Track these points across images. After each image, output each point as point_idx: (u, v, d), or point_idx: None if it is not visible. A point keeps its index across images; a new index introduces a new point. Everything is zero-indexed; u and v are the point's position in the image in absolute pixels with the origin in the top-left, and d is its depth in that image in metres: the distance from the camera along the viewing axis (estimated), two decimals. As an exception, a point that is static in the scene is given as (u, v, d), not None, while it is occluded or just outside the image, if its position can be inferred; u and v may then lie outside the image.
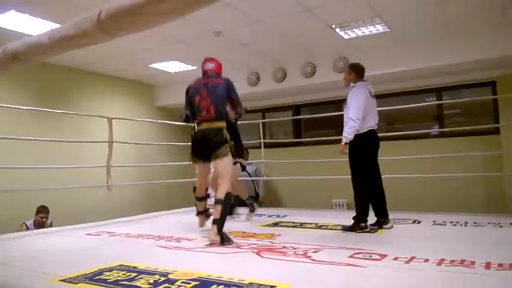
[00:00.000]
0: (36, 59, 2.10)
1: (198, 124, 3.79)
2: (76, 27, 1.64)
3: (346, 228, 3.87)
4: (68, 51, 1.85)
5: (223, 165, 3.61)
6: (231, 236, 3.43)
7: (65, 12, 4.67)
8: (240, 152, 4.70)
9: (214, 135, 3.62)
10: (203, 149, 3.68)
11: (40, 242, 3.81)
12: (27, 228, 5.38)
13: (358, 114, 3.75)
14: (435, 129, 6.61)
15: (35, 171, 5.63)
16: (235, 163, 4.53)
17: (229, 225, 4.13)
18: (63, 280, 2.39)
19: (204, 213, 4.14)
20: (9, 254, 3.25)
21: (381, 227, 3.88)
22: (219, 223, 3.39)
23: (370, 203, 3.91)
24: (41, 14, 4.74)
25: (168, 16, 1.44)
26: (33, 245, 3.69)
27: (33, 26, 5.03)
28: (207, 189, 4.16)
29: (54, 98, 6.59)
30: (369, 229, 3.79)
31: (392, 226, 3.94)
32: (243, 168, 4.86)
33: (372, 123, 3.93)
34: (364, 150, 3.88)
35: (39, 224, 5.54)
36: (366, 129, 3.86)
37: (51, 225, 5.53)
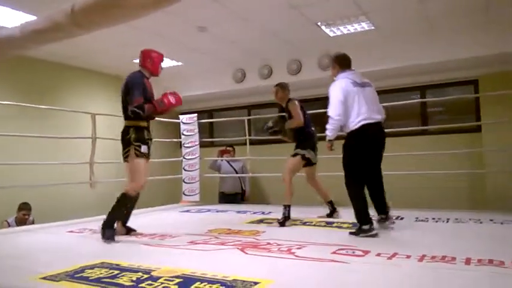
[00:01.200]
0: (8, 53, 2.06)
1: None
2: (49, 21, 1.61)
3: (351, 233, 3.49)
4: (41, 45, 1.82)
5: (129, 166, 3.61)
6: (116, 237, 3.45)
7: (39, 3, 4.57)
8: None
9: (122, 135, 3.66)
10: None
11: (21, 240, 3.76)
12: (9, 226, 5.30)
13: (335, 111, 3.54)
14: (419, 127, 6.68)
15: (17, 167, 5.53)
16: (295, 155, 4.45)
17: (215, 222, 4.14)
18: (44, 278, 2.35)
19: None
20: (-10, 252, 3.20)
21: (383, 224, 3.65)
22: (106, 218, 3.49)
23: (370, 201, 3.64)
24: (16, 5, 4.65)
25: (140, 10, 1.42)
26: (14, 243, 3.63)
27: (9, 18, 4.92)
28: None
29: (37, 93, 6.48)
30: (373, 232, 3.34)
31: (392, 226, 3.68)
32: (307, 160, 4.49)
33: (364, 115, 3.48)
34: (355, 149, 3.54)
35: (21, 221, 5.45)
36: (359, 125, 3.49)
37: (33, 223, 5.45)
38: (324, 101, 7.58)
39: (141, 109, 3.52)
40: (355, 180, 3.54)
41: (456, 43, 5.72)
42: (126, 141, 3.58)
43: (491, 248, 2.85)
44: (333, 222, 4.11)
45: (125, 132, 3.61)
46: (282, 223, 4.03)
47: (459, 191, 6.35)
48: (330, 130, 3.64)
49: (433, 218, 4.22)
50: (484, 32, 5.54)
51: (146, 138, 3.61)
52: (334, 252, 2.78)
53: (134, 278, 2.30)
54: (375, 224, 3.48)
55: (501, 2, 4.83)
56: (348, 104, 3.52)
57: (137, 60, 6.83)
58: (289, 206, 4.14)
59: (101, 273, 2.42)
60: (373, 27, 5.59)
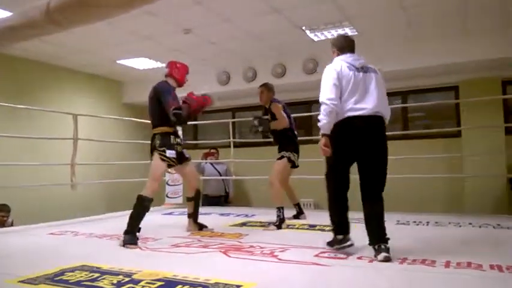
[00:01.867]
0: None
1: None
2: (24, 17, 1.57)
3: (327, 243, 3.03)
4: (16, 42, 1.78)
5: (150, 168, 3.65)
6: (135, 243, 3.29)
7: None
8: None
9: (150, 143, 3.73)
10: None
11: (0, 242, 3.67)
12: (-14, 228, 5.18)
13: (326, 94, 2.83)
14: (400, 132, 6.77)
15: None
16: (281, 157, 4.39)
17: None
18: (22, 281, 2.31)
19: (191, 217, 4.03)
20: (-34, 254, 3.13)
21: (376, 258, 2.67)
22: (128, 224, 3.40)
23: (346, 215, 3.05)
24: None
25: (115, 9, 1.41)
26: (-8, 245, 3.56)
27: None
28: (197, 190, 4.04)
29: (17, 92, 6.36)
30: (349, 243, 2.90)
31: (387, 259, 2.60)
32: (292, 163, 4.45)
33: (352, 105, 2.83)
34: (337, 145, 2.87)
35: (0, 223, 5.34)
36: (345, 116, 2.84)
37: (12, 225, 5.33)
38: (308, 104, 7.67)
39: (180, 109, 3.54)
40: (335, 180, 3.01)
41: (437, 49, 5.83)
42: (152, 147, 3.66)
43: (470, 251, 2.90)
44: (316, 225, 4.13)
45: (152, 140, 3.70)
46: (279, 226, 4.00)
47: (439, 194, 6.47)
48: (322, 118, 2.82)
49: (414, 221, 4.28)
50: (464, 39, 5.66)
51: (173, 143, 3.64)
52: (316, 255, 2.80)
53: (115, 281, 2.27)
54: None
55: (480, 10, 4.94)
56: (344, 90, 2.87)
57: (121, 61, 6.80)
58: (282, 208, 4.10)
59: (81, 276, 2.38)
60: (356, 33, 5.66)
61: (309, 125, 7.76)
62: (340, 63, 2.97)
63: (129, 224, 3.39)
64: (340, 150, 2.88)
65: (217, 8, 4.82)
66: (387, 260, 2.60)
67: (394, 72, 6.30)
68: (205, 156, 7.29)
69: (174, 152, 3.62)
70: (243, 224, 4.39)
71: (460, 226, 3.98)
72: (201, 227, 3.97)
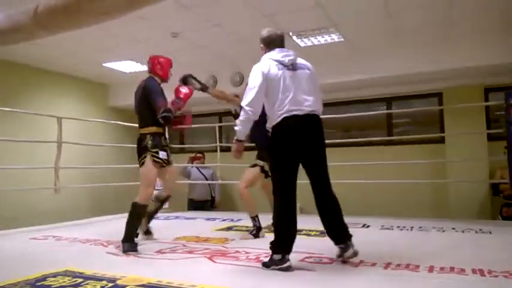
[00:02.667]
0: None
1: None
2: (11, 21, 1.56)
3: (263, 264, 2.71)
4: (5, 45, 1.76)
5: (141, 173, 3.51)
6: (135, 250, 3.23)
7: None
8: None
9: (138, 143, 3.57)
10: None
11: (-21, 247, 3.60)
12: (-34, 232, 5.06)
13: (247, 99, 2.71)
14: (384, 137, 6.85)
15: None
16: (254, 165, 4.11)
17: (184, 230, 4.09)
18: (3, 286, 2.27)
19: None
20: None
21: (342, 257, 2.75)
22: (125, 231, 3.33)
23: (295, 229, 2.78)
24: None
25: (101, 16, 1.42)
26: (-29, 250, 3.48)
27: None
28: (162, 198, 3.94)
29: (1, 95, 6.26)
30: (287, 265, 2.59)
31: (356, 254, 2.71)
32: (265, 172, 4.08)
33: (287, 106, 2.70)
34: (278, 149, 2.74)
35: (-20, 228, 5.22)
36: (281, 118, 2.70)
37: (-8, 229, 5.23)
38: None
39: (170, 112, 3.44)
40: (282, 190, 2.76)
41: (421, 57, 5.91)
42: (142, 148, 3.49)
43: (453, 255, 2.94)
44: (301, 230, 4.13)
45: (141, 140, 3.52)
46: (256, 234, 3.92)
47: (423, 200, 6.55)
48: (238, 125, 2.76)
49: (398, 226, 4.32)
50: (448, 47, 5.75)
51: (163, 145, 3.56)
52: (301, 260, 2.81)
53: (98, 287, 2.25)
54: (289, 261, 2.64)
55: (464, 18, 5.04)
56: (270, 92, 2.74)
57: (107, 64, 6.73)
58: (257, 216, 3.96)
59: (64, 282, 2.35)
60: (342, 39, 5.72)
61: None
62: (268, 62, 2.79)
63: (126, 232, 3.31)
64: (282, 153, 2.72)
65: (205, 13, 4.82)
66: (356, 254, 2.69)
67: (378, 79, 6.39)
68: (192, 160, 7.26)
69: (165, 153, 3.54)
70: (229, 229, 4.38)
71: (443, 231, 4.03)
72: (148, 232, 3.82)
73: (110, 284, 2.29)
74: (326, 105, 8.00)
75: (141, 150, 3.49)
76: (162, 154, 3.49)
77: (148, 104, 3.48)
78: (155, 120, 3.45)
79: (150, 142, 3.46)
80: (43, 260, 3.01)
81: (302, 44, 5.92)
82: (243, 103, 2.72)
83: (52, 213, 5.98)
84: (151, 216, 3.88)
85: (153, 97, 3.45)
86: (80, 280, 2.38)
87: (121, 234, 3.44)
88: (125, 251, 3.19)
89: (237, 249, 3.23)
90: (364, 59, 6.32)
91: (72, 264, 2.74)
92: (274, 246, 2.68)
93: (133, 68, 6.99)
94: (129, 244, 3.25)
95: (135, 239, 3.37)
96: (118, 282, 2.33)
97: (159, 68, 3.66)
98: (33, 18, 1.46)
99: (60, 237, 3.92)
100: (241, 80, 7.21)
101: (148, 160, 3.43)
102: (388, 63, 6.15)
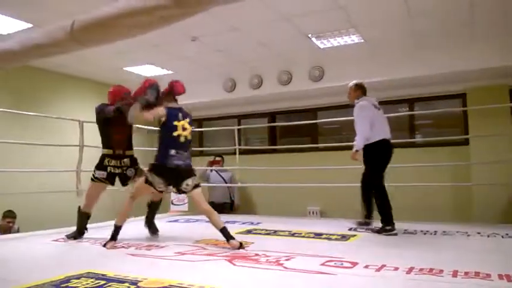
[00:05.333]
0: (6, 66, 2.07)
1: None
2: (48, 37, 1.62)
3: (374, 231, 4.19)
4: (39, 59, 1.83)
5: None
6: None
7: (34, 12, 4.59)
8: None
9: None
10: None
11: (5, 248, 3.68)
12: (-8, 234, 5.20)
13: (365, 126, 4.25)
14: (406, 139, 6.73)
15: (2, 174, 5.44)
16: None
17: (204, 233, 4.11)
18: (28, 288, 2.31)
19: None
20: (-28, 261, 3.14)
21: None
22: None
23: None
24: (9, 12, 4.64)
25: (142, 29, 1.45)
26: (-2, 252, 3.57)
27: (1, 24, 4.91)
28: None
29: (25, 100, 6.41)
30: (395, 232, 4.06)
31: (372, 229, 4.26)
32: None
33: (381, 134, 4.32)
34: (376, 158, 4.35)
35: (5, 230, 5.36)
36: (377, 139, 4.27)
37: (18, 231, 5.36)
38: (314, 112, 7.66)
39: (119, 110, 3.79)
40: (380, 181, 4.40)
41: (444, 57, 5.81)
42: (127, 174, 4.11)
43: (478, 260, 2.86)
44: (322, 234, 4.10)
45: (131, 164, 4.10)
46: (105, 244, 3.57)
47: (447, 203, 6.41)
48: (358, 140, 4.28)
49: (421, 231, 4.24)
50: (471, 47, 5.65)
51: (106, 165, 3.94)
52: (322, 264, 2.78)
53: (120, 289, 2.27)
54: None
55: (487, 18, 4.93)
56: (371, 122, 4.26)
57: (128, 68, 6.81)
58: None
59: (87, 283, 2.38)
60: (362, 40, 5.66)
61: (315, 133, 7.76)
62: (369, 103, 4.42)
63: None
64: (378, 160, 4.39)
65: (224, 16, 4.84)
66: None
67: (399, 80, 6.30)
68: (210, 164, 7.30)
69: (103, 172, 3.93)
70: (249, 232, 4.37)
71: (468, 235, 3.94)
72: (152, 229, 4.21)
73: (132, 286, 2.30)
74: (348, 107, 7.97)
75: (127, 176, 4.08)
76: (98, 173, 3.93)
77: (99, 130, 4.03)
78: (104, 144, 4.00)
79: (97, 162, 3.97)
80: (66, 262, 3.05)
81: (322, 46, 5.89)
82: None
83: (74, 215, 6.07)
84: (148, 219, 4.23)
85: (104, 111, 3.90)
86: (102, 282, 2.40)
87: (141, 237, 3.50)
88: (68, 236, 3.93)
89: (257, 252, 3.22)
90: (384, 60, 6.25)
91: (95, 266, 2.77)
92: (385, 220, 4.12)
93: (154, 72, 7.07)
94: (74, 234, 3.98)
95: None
96: (140, 284, 2.34)
97: (108, 100, 4.09)
98: (70, 34, 1.51)
99: (81, 240, 3.98)
100: (259, 83, 7.22)
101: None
102: (409, 64, 6.06)
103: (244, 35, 5.46)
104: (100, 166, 3.94)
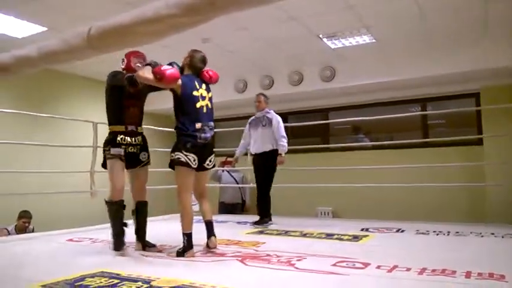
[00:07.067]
0: (24, 71, 2.13)
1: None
2: (65, 44, 1.67)
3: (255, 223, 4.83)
4: (56, 64, 1.90)
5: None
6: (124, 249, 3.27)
7: (49, 15, 4.66)
8: None
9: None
10: None
11: (21, 248, 3.74)
12: (8, 234, 5.29)
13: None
14: (419, 140, 6.68)
15: (17, 175, 5.54)
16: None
17: (220, 234, 4.13)
18: (44, 286, 2.35)
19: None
20: (-11, 260, 3.20)
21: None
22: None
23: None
24: (25, 16, 4.72)
25: (156, 37, 1.49)
26: (13, 251, 3.62)
27: (17, 28, 5.00)
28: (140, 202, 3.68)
29: (37, 101, 6.50)
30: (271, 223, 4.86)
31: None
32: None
33: None
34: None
35: (21, 230, 5.45)
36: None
37: (33, 231, 5.44)
38: (325, 112, 7.64)
39: (132, 80, 3.39)
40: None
41: (457, 56, 5.76)
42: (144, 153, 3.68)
43: (492, 261, 2.84)
44: (334, 234, 4.10)
45: (143, 141, 3.71)
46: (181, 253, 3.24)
47: (460, 204, 6.34)
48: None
49: (434, 231, 4.20)
50: (484, 45, 5.58)
51: (119, 142, 3.42)
52: (334, 265, 2.77)
53: (133, 288, 2.30)
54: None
55: (500, 15, 4.87)
56: None
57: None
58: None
59: (101, 282, 2.41)
60: (374, 40, 5.63)
61: (326, 133, 7.74)
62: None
63: (112, 231, 3.43)
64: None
65: (234, 17, 4.86)
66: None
67: (412, 80, 6.25)
68: (223, 164, 7.32)
69: (119, 149, 3.41)
70: (260, 232, 4.38)
71: (482, 236, 3.90)
72: (144, 246, 3.49)
73: (145, 285, 2.33)
74: (359, 107, 7.90)
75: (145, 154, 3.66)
76: (114, 150, 3.39)
77: (107, 102, 3.59)
78: (113, 119, 3.51)
79: (106, 141, 3.47)
80: (80, 261, 3.09)
81: (333, 46, 5.88)
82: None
83: (88, 216, 6.14)
84: (139, 232, 3.56)
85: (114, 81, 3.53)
86: (116, 281, 2.43)
87: (156, 236, 3.52)
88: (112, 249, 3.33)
89: (268, 252, 3.23)
90: (396, 60, 6.21)
91: (108, 266, 2.81)
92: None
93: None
94: (114, 242, 3.35)
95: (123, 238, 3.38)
96: (152, 283, 2.37)
97: (123, 62, 3.66)
98: (87, 40, 1.56)
99: (95, 240, 4.03)
100: (270, 84, 7.22)
101: (103, 160, 3.51)
102: (421, 64, 6.01)
103: (255, 35, 5.47)
104: (114, 143, 3.40)
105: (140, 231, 3.55)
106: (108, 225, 3.45)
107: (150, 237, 3.60)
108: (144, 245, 3.50)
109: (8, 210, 5.53)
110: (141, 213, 3.60)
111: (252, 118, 5.35)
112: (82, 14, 4.54)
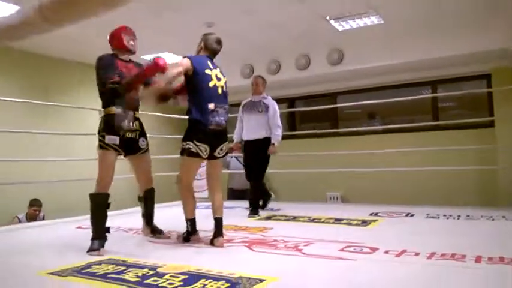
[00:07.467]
0: None
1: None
2: (21, 16, 1.64)
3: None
4: (16, 40, 1.86)
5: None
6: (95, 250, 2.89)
7: None
8: None
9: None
10: None
11: (31, 235, 3.79)
12: (19, 221, 5.35)
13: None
14: (430, 123, 6.59)
15: (27, 164, 5.58)
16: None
17: (228, 219, 4.12)
18: (52, 273, 2.37)
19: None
20: (1, 248, 3.23)
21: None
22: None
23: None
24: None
25: (103, 7, 1.46)
26: (23, 238, 3.67)
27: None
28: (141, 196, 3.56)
29: (46, 90, 6.52)
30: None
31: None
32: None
33: None
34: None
35: (32, 217, 5.51)
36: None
37: (43, 219, 5.51)
38: (333, 96, 7.56)
39: (118, 83, 3.06)
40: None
41: (467, 37, 5.63)
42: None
43: (502, 245, 2.79)
44: (342, 219, 4.07)
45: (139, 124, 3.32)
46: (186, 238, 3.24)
47: (471, 187, 6.27)
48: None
49: (444, 215, 4.15)
50: (495, 26, 5.43)
51: (116, 126, 3.09)
52: (341, 250, 2.75)
53: (140, 274, 2.30)
54: None
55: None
56: None
57: (145, 57, 6.83)
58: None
59: (108, 269, 2.42)
60: (382, 22, 5.52)
61: (335, 118, 7.66)
62: None
63: (92, 228, 3.08)
64: None
65: (240, 1, 4.79)
66: None
67: (422, 62, 6.14)
68: (232, 150, 7.30)
69: (116, 137, 3.10)
70: (268, 218, 4.37)
71: (492, 220, 3.84)
72: (154, 231, 3.45)
73: (151, 272, 2.33)
74: (368, 90, 7.79)
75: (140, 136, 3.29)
76: (109, 138, 3.06)
77: (98, 84, 3.17)
78: (108, 99, 3.12)
79: (101, 125, 3.14)
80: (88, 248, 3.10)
81: (340, 28, 5.78)
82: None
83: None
84: (147, 217, 3.52)
85: (96, 75, 3.15)
86: (122, 268, 2.44)
87: (161, 223, 3.52)
88: (88, 251, 2.87)
89: (276, 238, 3.21)
90: (405, 41, 6.09)
91: (116, 253, 2.82)
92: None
93: (173, 59, 7.05)
94: (95, 242, 2.94)
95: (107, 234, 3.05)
96: (159, 270, 2.37)
97: (113, 41, 3.28)
98: (38, 11, 1.53)
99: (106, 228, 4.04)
100: (277, 68, 7.15)
101: (97, 145, 3.13)
102: (431, 45, 5.90)
103: (260, 19, 5.39)
104: (110, 129, 3.07)
105: (148, 217, 3.52)
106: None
107: (161, 223, 3.60)
108: (153, 229, 3.48)
109: (18, 199, 5.59)
110: (149, 200, 3.54)
111: (246, 101, 4.92)
112: None
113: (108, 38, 3.31)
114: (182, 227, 3.34)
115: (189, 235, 3.20)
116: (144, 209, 3.54)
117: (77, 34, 5.41)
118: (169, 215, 4.53)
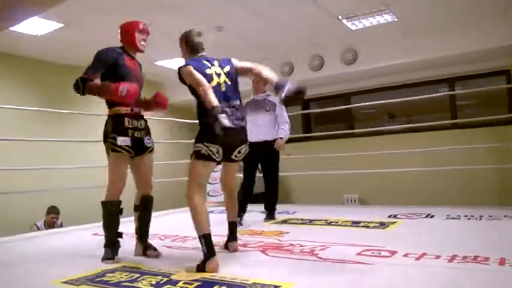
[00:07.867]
0: None
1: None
2: None
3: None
4: None
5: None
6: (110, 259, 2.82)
7: (66, 11, 4.67)
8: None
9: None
10: None
11: (47, 243, 3.81)
12: (38, 229, 5.41)
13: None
14: (448, 121, 6.44)
15: (45, 172, 5.63)
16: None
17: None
18: (65, 282, 2.35)
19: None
20: (18, 255, 3.25)
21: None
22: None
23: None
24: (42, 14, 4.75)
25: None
26: (41, 246, 3.68)
27: (35, 26, 5.06)
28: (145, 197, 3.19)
29: (60, 98, 6.57)
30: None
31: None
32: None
33: None
34: None
35: (50, 225, 5.57)
36: None
37: (61, 226, 5.55)
38: (347, 96, 7.46)
39: (84, 80, 2.88)
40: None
41: (484, 32, 5.49)
42: (103, 135, 2.96)
43: (527, 246, 2.69)
44: (360, 222, 3.98)
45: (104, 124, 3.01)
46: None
47: (492, 186, 6.10)
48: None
49: (465, 216, 4.04)
50: (510, 20, 5.28)
51: (127, 128, 2.91)
52: (359, 254, 2.68)
53: (154, 282, 2.27)
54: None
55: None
56: None
57: (159, 62, 6.87)
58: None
59: (121, 277, 2.40)
60: (396, 19, 5.43)
61: (350, 118, 7.57)
62: None
63: (105, 236, 2.98)
64: None
65: (250, 2, 4.76)
66: None
67: (438, 59, 6.02)
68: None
69: (127, 139, 2.91)
70: (284, 222, 4.31)
71: (516, 219, 3.71)
72: (146, 248, 3.04)
73: (165, 279, 2.31)
74: (383, 90, 7.68)
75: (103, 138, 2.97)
76: (121, 140, 2.86)
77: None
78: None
79: (108, 127, 2.91)
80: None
81: (353, 28, 5.70)
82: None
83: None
84: (140, 232, 3.14)
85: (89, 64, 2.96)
86: (136, 275, 2.42)
87: (177, 228, 3.49)
88: (102, 259, 2.81)
89: (292, 242, 3.16)
90: (420, 39, 5.98)
91: (130, 260, 2.81)
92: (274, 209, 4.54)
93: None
94: (108, 250, 2.88)
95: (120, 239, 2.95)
96: (172, 277, 2.34)
97: (124, 35, 3.06)
98: None
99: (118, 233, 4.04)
100: (290, 70, 7.10)
101: (108, 147, 2.89)
102: (447, 42, 5.77)
103: (272, 21, 5.35)
104: (120, 130, 2.86)
105: (142, 232, 3.11)
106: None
107: (176, 228, 3.55)
108: (146, 247, 3.05)
109: (36, 207, 5.65)
110: (145, 210, 3.12)
111: (249, 100, 4.53)
112: (97, 7, 4.53)
113: (119, 29, 3.07)
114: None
115: (206, 260, 2.49)
116: (138, 222, 3.13)
117: (85, 39, 5.46)
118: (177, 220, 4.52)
